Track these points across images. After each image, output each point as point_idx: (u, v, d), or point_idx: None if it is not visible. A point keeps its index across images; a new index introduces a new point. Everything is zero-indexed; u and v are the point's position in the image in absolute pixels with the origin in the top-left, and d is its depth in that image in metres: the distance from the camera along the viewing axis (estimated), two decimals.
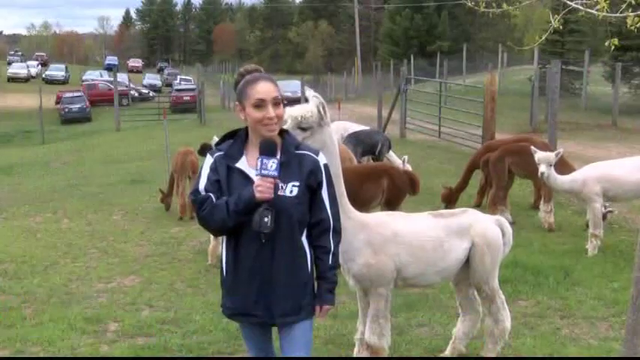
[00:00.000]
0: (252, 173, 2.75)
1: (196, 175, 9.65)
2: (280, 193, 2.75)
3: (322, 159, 2.90)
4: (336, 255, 2.89)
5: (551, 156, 6.94)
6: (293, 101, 25.92)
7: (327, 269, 2.87)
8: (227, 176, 2.81)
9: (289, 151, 2.83)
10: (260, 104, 2.75)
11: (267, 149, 2.71)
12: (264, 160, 2.66)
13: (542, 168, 6.86)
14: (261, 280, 2.78)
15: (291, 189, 2.78)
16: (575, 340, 4.85)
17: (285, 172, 2.75)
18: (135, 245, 7.95)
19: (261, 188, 2.66)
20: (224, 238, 2.91)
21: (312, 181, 2.83)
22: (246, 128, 2.87)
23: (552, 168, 6.93)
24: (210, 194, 2.78)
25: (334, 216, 2.90)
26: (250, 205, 2.68)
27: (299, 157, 2.84)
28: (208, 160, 2.87)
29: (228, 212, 2.71)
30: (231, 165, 2.82)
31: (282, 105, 2.81)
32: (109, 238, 8.36)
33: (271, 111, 2.74)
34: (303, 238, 2.84)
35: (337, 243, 2.91)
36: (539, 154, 6.95)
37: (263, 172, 2.66)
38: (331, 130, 3.70)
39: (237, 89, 2.86)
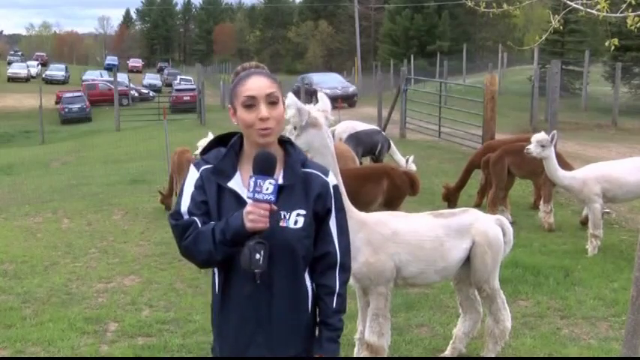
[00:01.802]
0: (246, 195, 2.20)
1: None
2: (282, 224, 2.23)
3: (332, 179, 2.36)
4: (342, 296, 2.36)
5: (544, 136, 6.96)
6: (332, 99, 23.90)
7: (330, 314, 2.34)
8: (217, 198, 2.27)
9: (294, 170, 2.29)
10: (250, 103, 2.22)
11: (263, 166, 2.14)
12: (258, 181, 2.11)
13: (531, 146, 6.91)
14: (256, 324, 2.29)
15: (295, 219, 2.25)
16: (575, 340, 4.85)
17: (288, 197, 2.24)
18: (135, 245, 7.95)
19: (253, 216, 2.10)
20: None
21: (320, 207, 2.30)
22: (242, 135, 2.35)
23: (552, 151, 6.94)
24: (195, 218, 2.25)
25: (343, 250, 2.36)
26: (239, 236, 2.14)
27: (305, 178, 2.30)
28: (192, 174, 2.31)
29: (214, 242, 2.18)
30: (222, 184, 2.26)
31: (281, 104, 2.28)
32: (109, 238, 8.36)
33: (264, 110, 2.21)
34: (306, 274, 2.34)
35: (344, 282, 2.38)
36: (535, 135, 7.02)
37: (256, 195, 2.11)
38: (324, 133, 3.71)
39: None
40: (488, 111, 12.55)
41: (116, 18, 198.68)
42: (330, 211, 2.33)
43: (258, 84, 2.25)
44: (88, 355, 4.77)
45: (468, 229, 4.14)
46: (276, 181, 2.14)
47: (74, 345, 4.91)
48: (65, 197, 11.51)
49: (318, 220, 2.32)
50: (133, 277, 6.70)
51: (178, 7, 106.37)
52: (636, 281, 3.60)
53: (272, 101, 2.24)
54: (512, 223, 5.46)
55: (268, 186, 2.11)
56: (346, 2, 71.03)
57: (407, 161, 8.50)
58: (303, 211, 2.26)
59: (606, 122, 20.50)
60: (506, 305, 4.36)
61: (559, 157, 7.78)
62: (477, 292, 4.36)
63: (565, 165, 7.99)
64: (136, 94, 43.46)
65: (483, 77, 15.46)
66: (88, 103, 36.43)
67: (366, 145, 10.49)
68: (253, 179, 2.12)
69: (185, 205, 2.28)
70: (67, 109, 35.25)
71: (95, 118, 35.31)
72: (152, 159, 16.09)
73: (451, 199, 8.95)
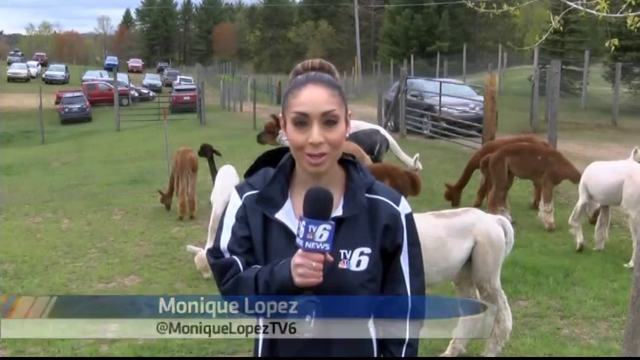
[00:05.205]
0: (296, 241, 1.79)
1: (196, 172, 9.13)
2: (342, 265, 1.82)
3: (405, 208, 1.93)
4: (413, 347, 1.93)
5: None
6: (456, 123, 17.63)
7: None
8: (263, 231, 1.88)
9: (357, 198, 1.87)
10: (301, 121, 1.80)
11: (315, 207, 1.74)
12: (310, 226, 1.71)
13: None
14: None
15: (358, 259, 1.84)
16: (575, 340, 4.85)
17: (350, 233, 1.84)
18: (135, 245, 7.95)
19: (304, 270, 1.71)
20: None
21: (389, 243, 1.89)
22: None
23: None
24: (236, 258, 1.86)
25: (415, 292, 1.93)
26: (286, 291, 1.76)
27: (371, 206, 1.88)
28: (234, 201, 1.92)
29: (257, 294, 1.80)
30: (268, 215, 1.87)
31: (342, 124, 1.83)
32: (109, 238, 8.36)
33: (316, 133, 1.78)
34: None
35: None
36: None
37: (308, 244, 1.71)
38: None
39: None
40: (488, 111, 12.56)
41: (116, 18, 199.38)
42: (400, 247, 1.91)
43: (313, 97, 1.80)
44: (88, 355, 4.77)
45: (470, 229, 4.14)
46: (333, 225, 1.72)
47: (74, 345, 4.91)
48: (65, 197, 11.51)
49: (385, 259, 1.90)
50: (133, 277, 6.70)
51: (178, 7, 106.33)
52: (636, 281, 3.60)
53: (329, 120, 1.80)
54: (512, 223, 5.46)
55: (322, 232, 1.71)
56: (346, 2, 71.02)
57: (415, 160, 8.51)
58: (367, 249, 1.85)
59: (606, 122, 20.52)
60: (507, 305, 4.36)
61: (559, 155, 7.85)
62: (477, 292, 4.37)
63: (565, 165, 8.01)
64: (136, 94, 43.48)
65: (483, 77, 15.47)
66: (88, 103, 36.47)
67: (364, 145, 10.44)
68: (304, 223, 1.72)
69: (225, 240, 1.90)
70: (67, 109, 35.29)
71: (95, 118, 35.32)
72: (152, 159, 16.10)
73: (453, 197, 8.99)
